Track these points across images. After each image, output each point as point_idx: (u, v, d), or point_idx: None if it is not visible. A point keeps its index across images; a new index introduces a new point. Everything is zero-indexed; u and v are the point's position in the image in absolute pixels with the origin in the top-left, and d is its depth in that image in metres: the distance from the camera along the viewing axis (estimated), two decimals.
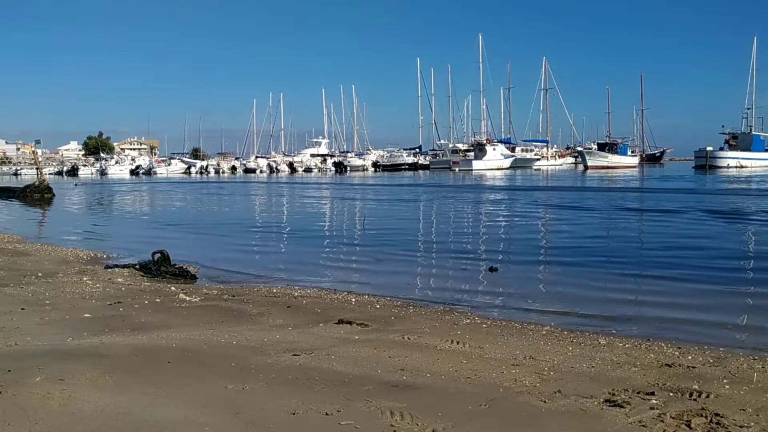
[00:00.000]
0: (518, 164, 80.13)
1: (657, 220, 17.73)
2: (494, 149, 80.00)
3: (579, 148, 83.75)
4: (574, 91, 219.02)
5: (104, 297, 7.43)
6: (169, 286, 8.40)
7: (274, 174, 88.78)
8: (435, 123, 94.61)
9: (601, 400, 4.00)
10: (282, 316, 6.62)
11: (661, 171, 67.74)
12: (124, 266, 9.75)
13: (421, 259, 11.40)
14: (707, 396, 4.09)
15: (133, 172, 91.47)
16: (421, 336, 5.72)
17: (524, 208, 22.54)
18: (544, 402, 3.95)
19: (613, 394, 4.09)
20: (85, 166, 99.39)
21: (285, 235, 16.03)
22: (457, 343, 5.50)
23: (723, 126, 71.26)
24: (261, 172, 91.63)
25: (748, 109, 72.01)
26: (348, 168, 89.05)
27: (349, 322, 6.18)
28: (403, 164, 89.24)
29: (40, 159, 50.31)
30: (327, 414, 3.67)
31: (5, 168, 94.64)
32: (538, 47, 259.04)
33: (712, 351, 5.41)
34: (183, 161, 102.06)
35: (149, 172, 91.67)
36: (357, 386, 4.18)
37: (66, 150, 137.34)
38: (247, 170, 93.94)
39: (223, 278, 9.45)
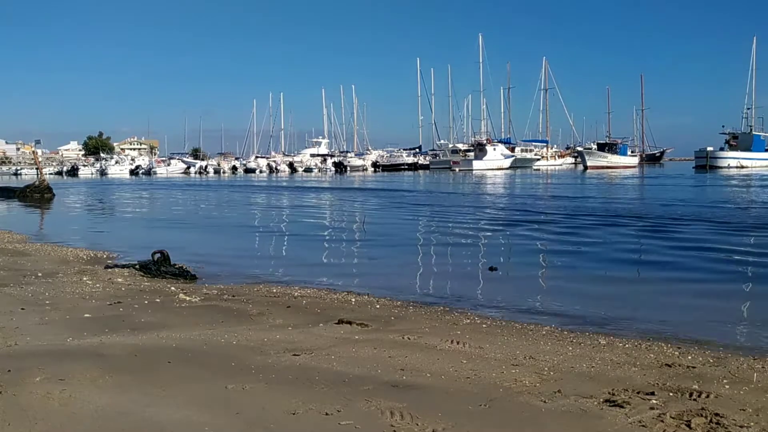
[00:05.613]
0: (518, 164, 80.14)
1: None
2: (494, 149, 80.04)
3: (579, 148, 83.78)
4: (574, 91, 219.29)
5: (104, 297, 7.43)
6: (169, 286, 8.39)
7: (274, 174, 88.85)
8: (435, 123, 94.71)
9: (601, 400, 4.00)
10: (282, 316, 6.61)
11: (660, 171, 67.72)
12: (124, 266, 9.74)
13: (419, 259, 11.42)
14: (707, 396, 4.09)
15: (132, 172, 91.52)
16: (421, 336, 5.72)
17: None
18: (544, 402, 3.95)
19: (613, 394, 4.09)
20: (85, 166, 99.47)
21: (285, 234, 16.02)
22: (457, 343, 5.49)
23: (723, 126, 71.53)
24: (261, 172, 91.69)
25: (748, 109, 72.24)
26: (348, 168, 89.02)
27: (349, 322, 6.18)
28: (403, 164, 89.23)
29: (40, 159, 50.31)
30: (327, 414, 3.67)
31: (5, 168, 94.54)
32: (538, 47, 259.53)
33: (712, 351, 5.40)
34: (183, 161, 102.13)
35: (149, 172, 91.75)
36: (357, 386, 4.18)
37: (66, 150, 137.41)
38: (247, 170, 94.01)
39: (224, 275, 9.44)
